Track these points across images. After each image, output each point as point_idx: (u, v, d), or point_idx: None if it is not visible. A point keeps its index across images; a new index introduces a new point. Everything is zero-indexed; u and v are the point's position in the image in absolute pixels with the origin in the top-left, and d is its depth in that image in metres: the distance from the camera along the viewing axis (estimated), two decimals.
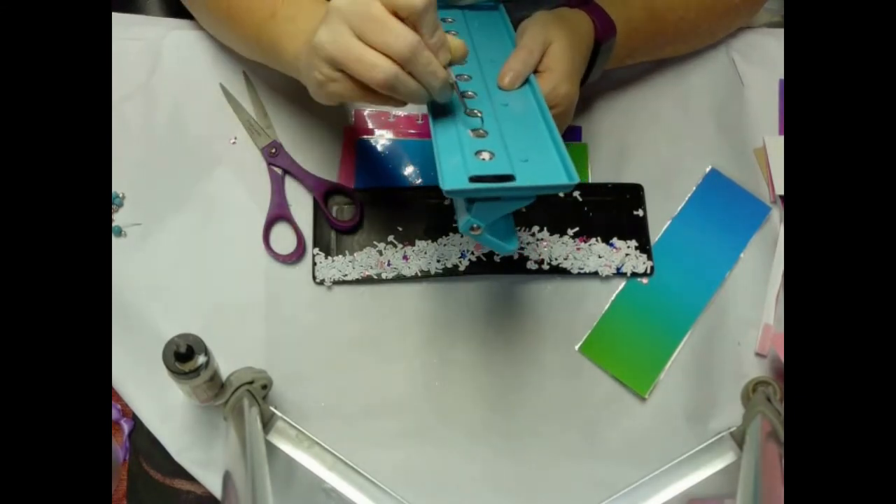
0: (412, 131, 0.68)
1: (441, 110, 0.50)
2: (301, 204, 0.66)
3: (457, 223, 0.51)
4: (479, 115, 0.51)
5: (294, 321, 0.63)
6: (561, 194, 0.66)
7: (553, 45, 0.55)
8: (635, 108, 0.70)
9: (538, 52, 0.54)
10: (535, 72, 0.55)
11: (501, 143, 0.48)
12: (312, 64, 0.47)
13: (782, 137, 0.69)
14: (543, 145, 0.48)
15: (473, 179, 0.44)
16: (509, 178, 0.45)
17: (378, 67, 0.44)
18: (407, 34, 0.43)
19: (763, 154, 0.69)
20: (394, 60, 0.44)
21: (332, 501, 0.58)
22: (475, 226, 0.47)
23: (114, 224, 0.64)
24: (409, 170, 0.67)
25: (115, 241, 0.64)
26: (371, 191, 0.66)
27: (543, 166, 0.46)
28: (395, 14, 0.43)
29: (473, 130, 0.49)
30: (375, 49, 0.44)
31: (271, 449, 0.56)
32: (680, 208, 0.67)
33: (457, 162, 0.46)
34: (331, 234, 0.65)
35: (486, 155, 0.47)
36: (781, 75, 0.71)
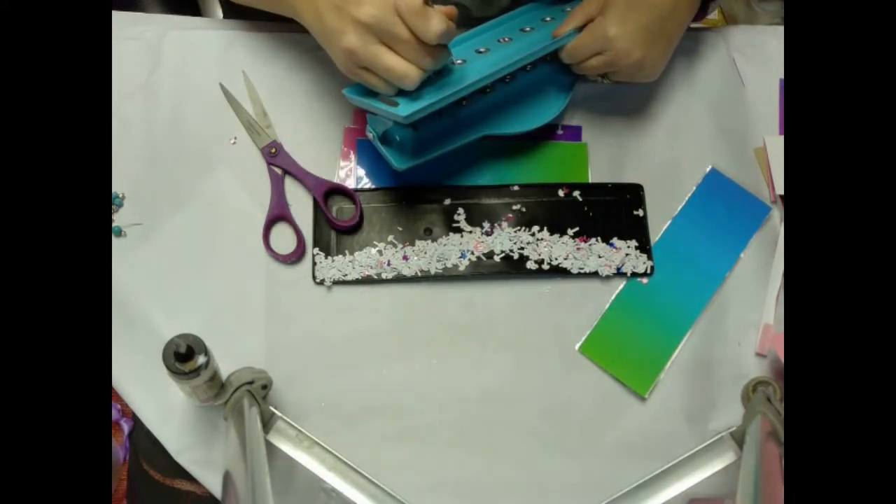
0: None
1: None
2: (301, 204, 0.66)
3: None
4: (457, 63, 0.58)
5: (294, 321, 0.63)
6: (560, 193, 0.66)
7: None
8: (635, 108, 0.70)
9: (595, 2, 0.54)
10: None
11: None
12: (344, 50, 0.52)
13: (782, 137, 0.69)
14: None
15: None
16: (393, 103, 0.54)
17: (409, 77, 0.51)
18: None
19: (763, 154, 0.69)
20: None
21: (332, 501, 0.58)
22: (370, 131, 0.61)
23: (114, 224, 0.64)
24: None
25: (115, 241, 0.64)
26: (371, 191, 0.66)
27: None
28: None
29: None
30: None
31: (271, 449, 0.56)
32: (680, 208, 0.67)
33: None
34: (331, 234, 0.65)
35: None
36: (781, 75, 0.71)
